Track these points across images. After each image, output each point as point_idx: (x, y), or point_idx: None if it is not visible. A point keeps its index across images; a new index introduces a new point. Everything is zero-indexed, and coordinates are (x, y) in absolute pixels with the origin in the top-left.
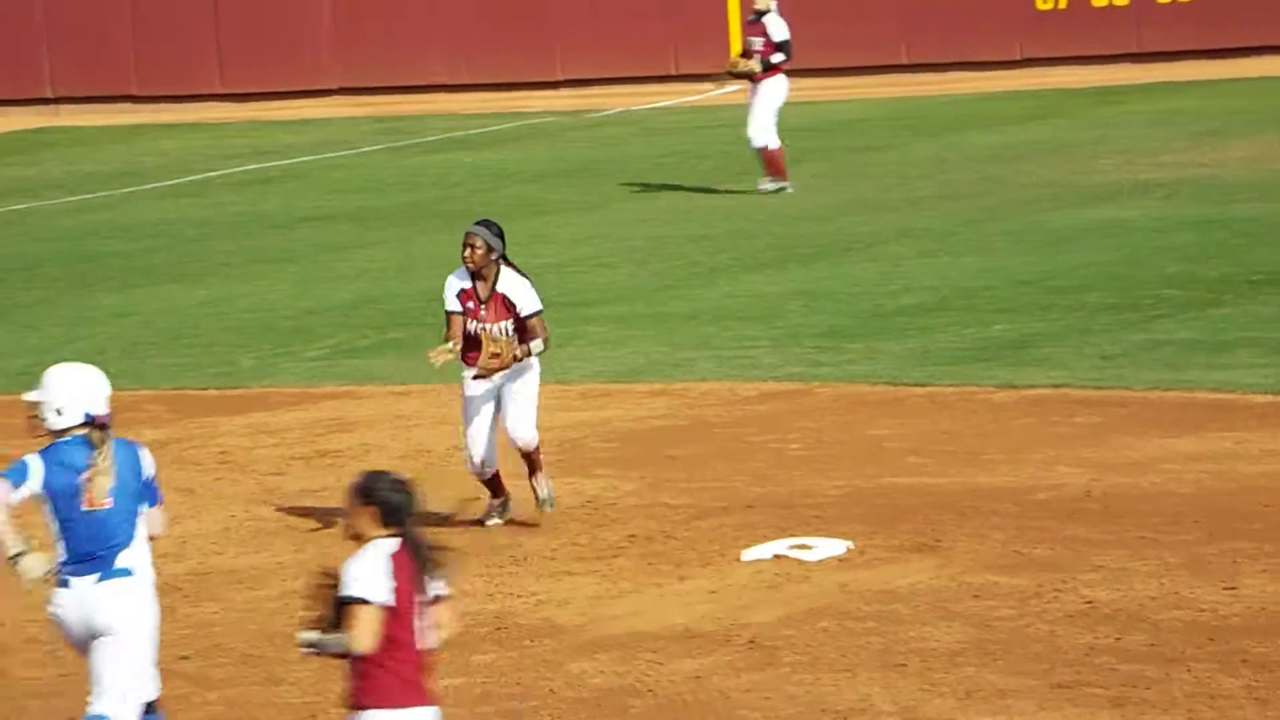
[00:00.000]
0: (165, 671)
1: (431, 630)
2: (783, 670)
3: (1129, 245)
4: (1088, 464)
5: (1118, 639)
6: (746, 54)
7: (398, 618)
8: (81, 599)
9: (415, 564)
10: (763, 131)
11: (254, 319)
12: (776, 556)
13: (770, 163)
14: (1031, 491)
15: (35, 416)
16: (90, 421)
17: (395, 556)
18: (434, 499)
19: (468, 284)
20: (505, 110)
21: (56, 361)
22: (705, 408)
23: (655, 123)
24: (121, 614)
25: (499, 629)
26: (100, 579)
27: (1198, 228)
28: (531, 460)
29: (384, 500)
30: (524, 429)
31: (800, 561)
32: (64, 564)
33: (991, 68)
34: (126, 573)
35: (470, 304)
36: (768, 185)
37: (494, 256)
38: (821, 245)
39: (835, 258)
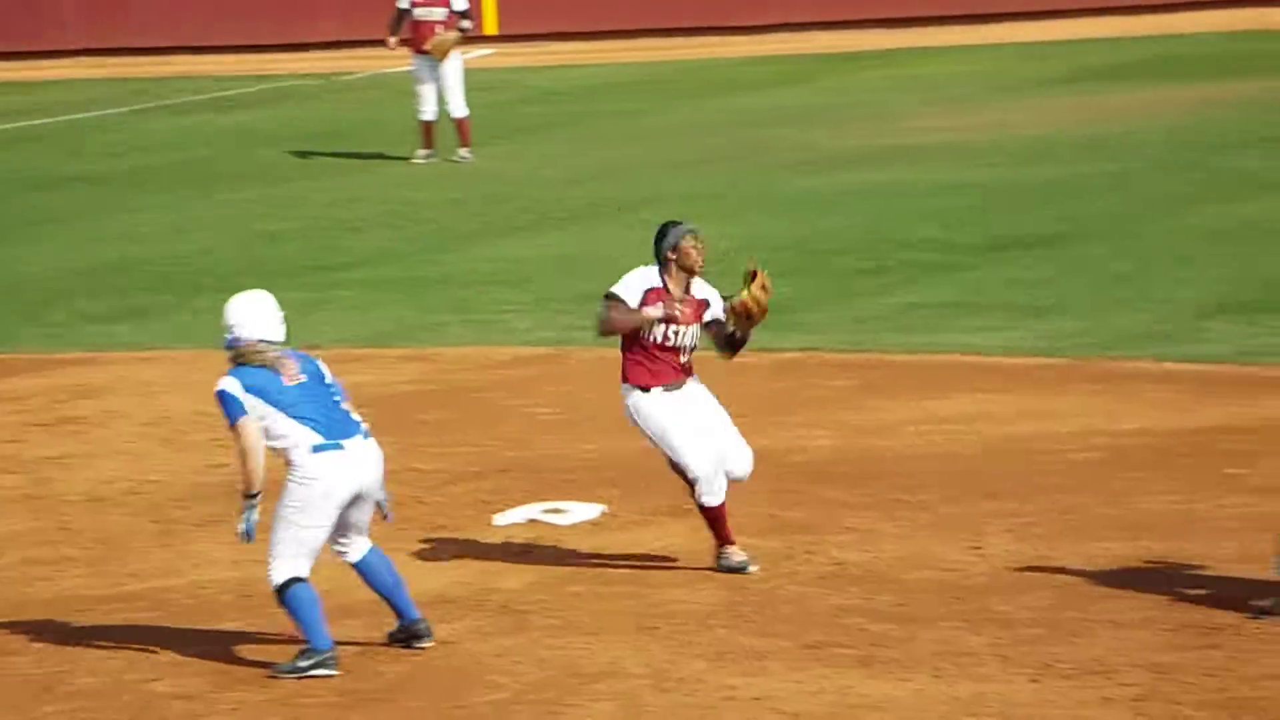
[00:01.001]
0: None
1: None
2: (534, 634)
3: (882, 209)
4: (841, 426)
5: (867, 599)
6: (424, 24)
7: None
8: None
9: None
10: (463, 102)
11: None
12: (530, 521)
13: (465, 131)
14: (786, 454)
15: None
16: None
17: None
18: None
19: (658, 284)
20: (255, 73)
21: None
22: (458, 373)
23: (408, 86)
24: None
25: (244, 596)
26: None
27: (948, 192)
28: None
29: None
30: (747, 458)
31: (553, 526)
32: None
33: (746, 32)
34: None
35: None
36: (466, 154)
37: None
38: (576, 210)
39: (590, 222)
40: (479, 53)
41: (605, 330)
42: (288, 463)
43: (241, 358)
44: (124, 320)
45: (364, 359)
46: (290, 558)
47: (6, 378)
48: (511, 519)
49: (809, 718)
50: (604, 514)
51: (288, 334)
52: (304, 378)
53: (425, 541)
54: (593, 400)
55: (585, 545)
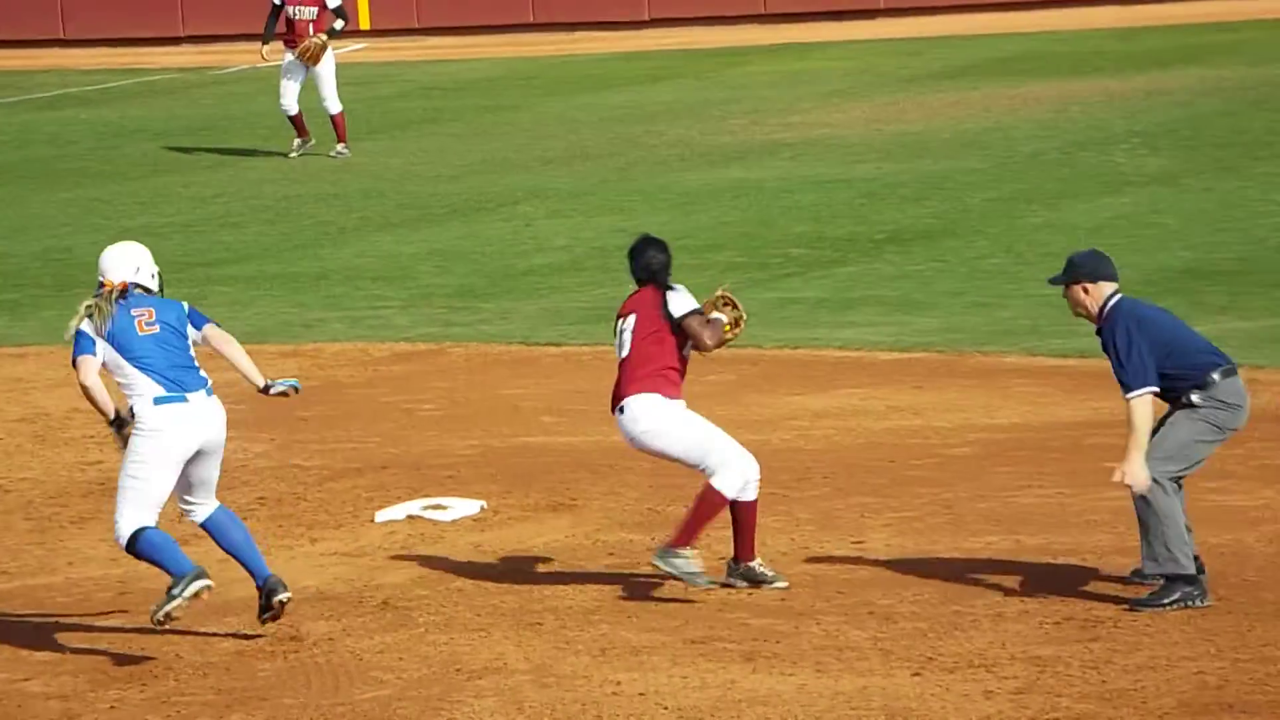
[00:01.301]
0: None
1: None
2: (417, 631)
3: (758, 205)
4: (720, 421)
5: (749, 594)
6: (298, 23)
7: None
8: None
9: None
10: (336, 98)
11: None
12: (410, 517)
13: (341, 126)
14: None
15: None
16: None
17: None
18: None
19: None
20: (126, 66)
21: None
22: (336, 368)
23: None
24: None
25: (123, 594)
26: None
27: (823, 188)
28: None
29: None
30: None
31: (434, 522)
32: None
33: (619, 28)
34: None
35: None
36: (343, 150)
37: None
38: (453, 205)
39: (467, 217)
40: (352, 47)
41: (716, 343)
42: (132, 414)
43: (101, 301)
44: None
45: None
46: (134, 509)
47: None
48: (392, 515)
49: (694, 712)
50: (484, 510)
51: (161, 288)
52: (157, 328)
53: (306, 538)
54: (472, 396)
55: (466, 541)
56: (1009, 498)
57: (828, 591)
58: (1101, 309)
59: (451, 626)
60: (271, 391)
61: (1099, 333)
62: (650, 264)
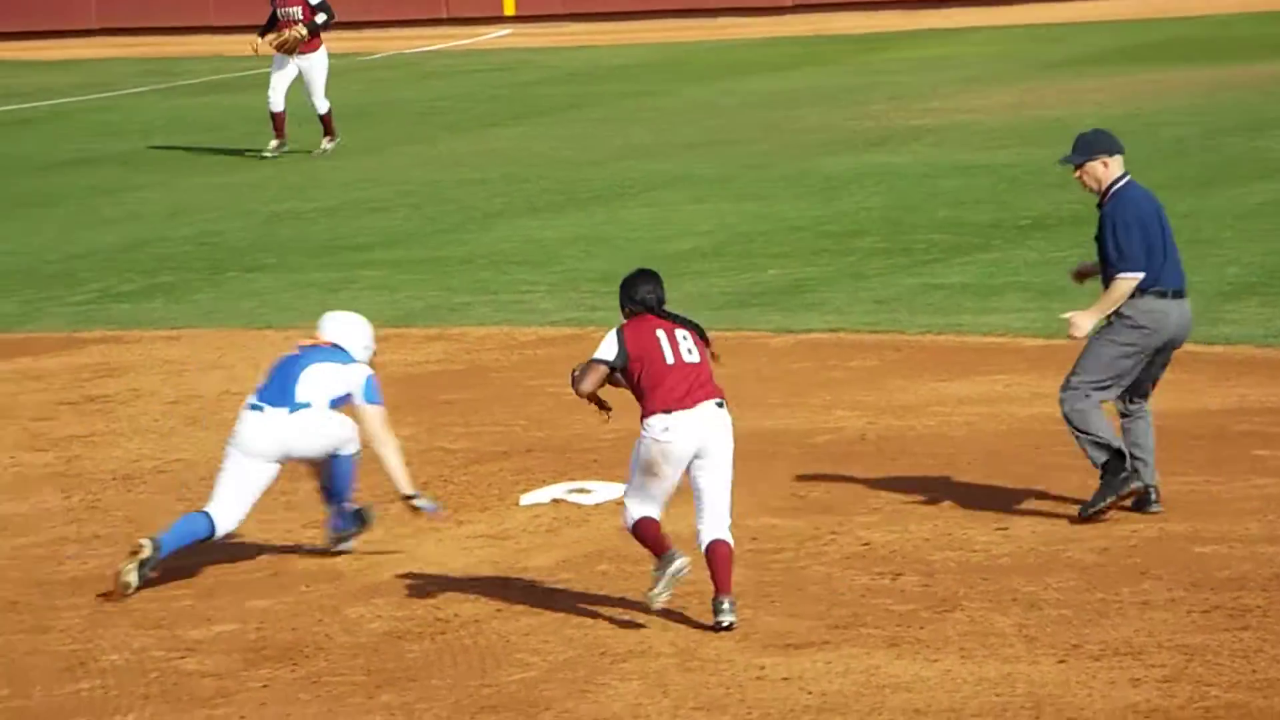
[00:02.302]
0: None
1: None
2: (562, 614)
3: (900, 190)
4: (863, 407)
5: (893, 580)
6: (285, 23)
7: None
8: None
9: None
10: (325, 97)
11: (16, 263)
12: (555, 500)
13: (329, 124)
14: (809, 435)
15: None
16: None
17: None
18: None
19: None
20: (274, 53)
21: None
22: (482, 352)
23: (428, 66)
24: None
25: (275, 574)
26: None
27: (966, 173)
28: None
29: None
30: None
31: (578, 505)
32: None
33: (762, 14)
34: None
35: None
36: (327, 146)
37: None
38: (597, 190)
39: (611, 203)
40: (496, 33)
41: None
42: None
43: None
44: (149, 299)
45: (389, 339)
46: None
47: (34, 356)
48: (537, 499)
49: (837, 698)
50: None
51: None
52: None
53: (452, 521)
54: None
55: (610, 525)
56: None
57: (972, 578)
58: (1111, 185)
59: (597, 610)
60: (414, 503)
61: (1101, 206)
62: (656, 295)
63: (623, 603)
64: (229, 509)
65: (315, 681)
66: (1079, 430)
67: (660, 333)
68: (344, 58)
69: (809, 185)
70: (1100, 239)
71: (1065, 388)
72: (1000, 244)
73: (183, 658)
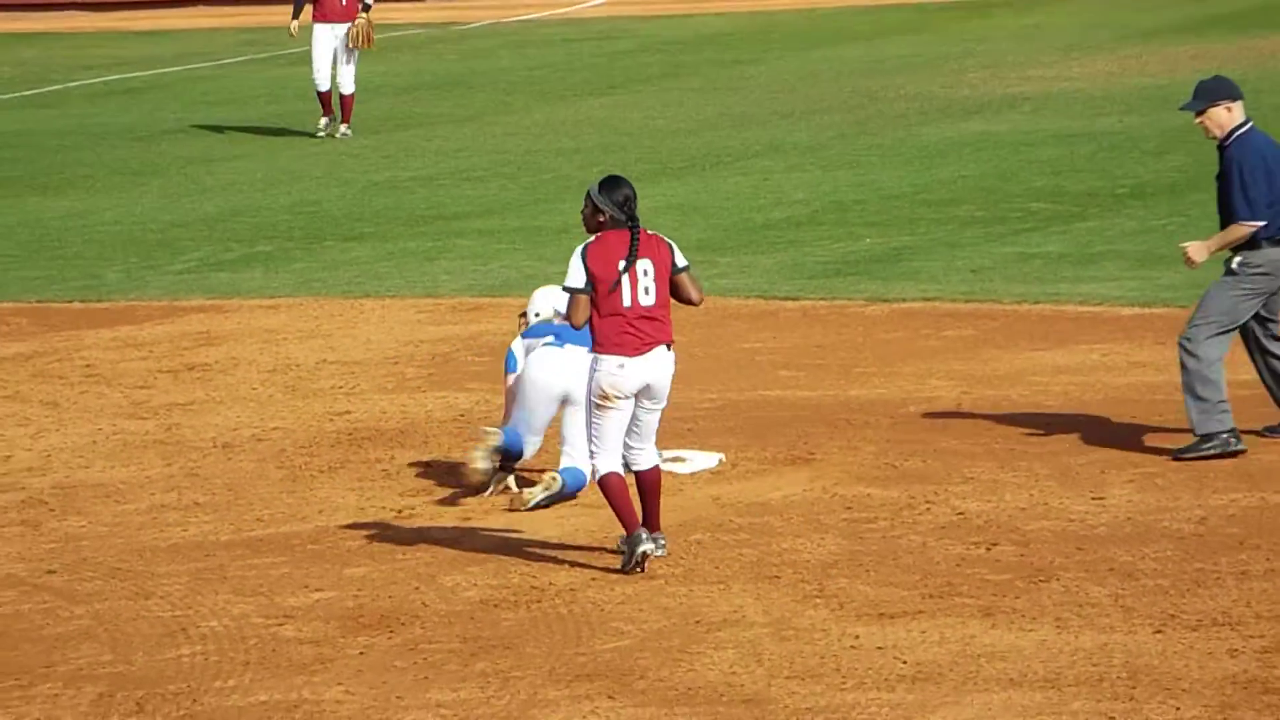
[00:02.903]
0: (31, 586)
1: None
2: (656, 582)
3: (997, 159)
4: (958, 376)
5: (988, 549)
6: (330, 3)
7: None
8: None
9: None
10: (352, 80)
11: (118, 232)
12: None
13: (348, 107)
14: (903, 404)
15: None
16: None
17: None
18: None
19: None
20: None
21: None
22: None
23: (525, 35)
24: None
25: (370, 542)
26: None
27: (1064, 141)
28: None
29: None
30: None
31: (673, 474)
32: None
33: None
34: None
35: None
36: (345, 130)
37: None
38: (692, 159)
39: (705, 172)
40: (593, 1)
41: (700, 299)
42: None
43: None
44: (248, 268)
45: (483, 308)
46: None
47: (134, 324)
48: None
49: (932, 667)
50: (723, 463)
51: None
52: None
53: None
54: (711, 349)
55: (705, 494)
56: (1253, 455)
57: (1067, 548)
58: (1234, 130)
59: (691, 579)
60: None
61: (1222, 148)
62: (633, 202)
63: (717, 572)
64: (535, 436)
65: (411, 649)
66: (1191, 389)
67: (622, 264)
68: (440, 27)
69: (905, 154)
70: (1222, 182)
71: (1185, 337)
72: (1097, 212)
73: (281, 625)
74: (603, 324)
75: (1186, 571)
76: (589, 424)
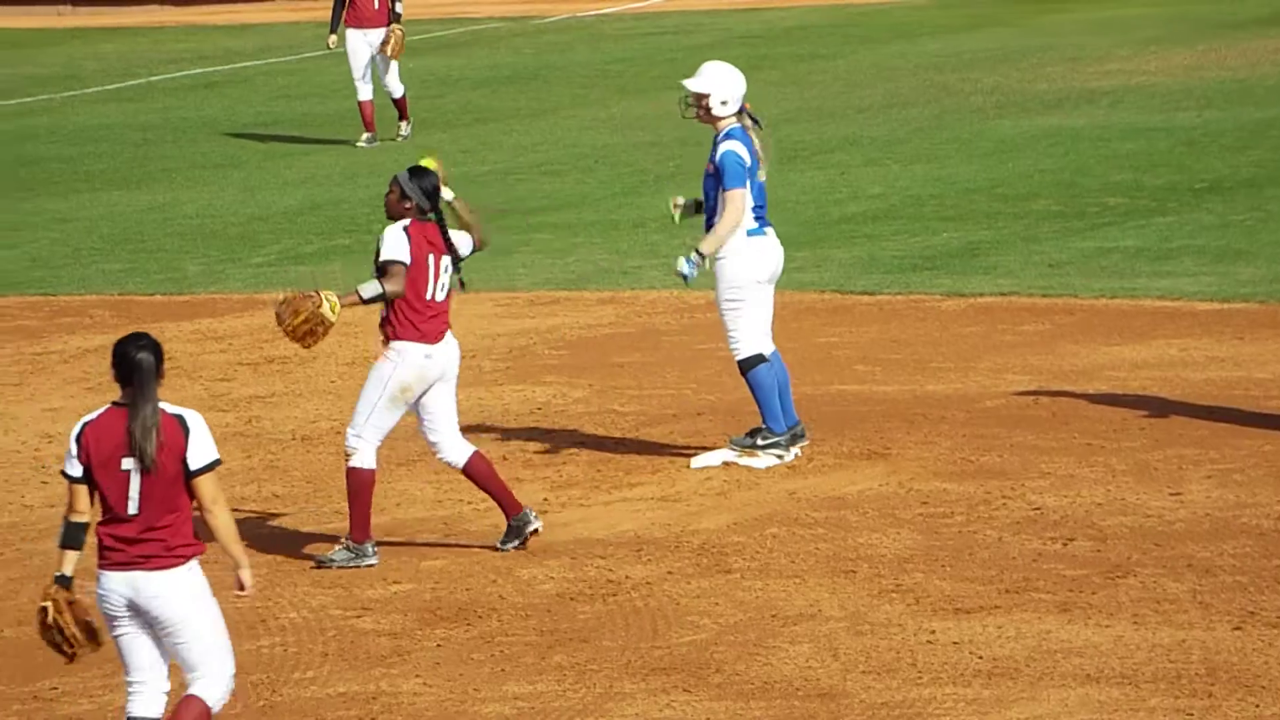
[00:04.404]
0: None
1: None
2: (732, 576)
3: (1075, 153)
4: (1035, 371)
5: (1065, 545)
6: (363, 8)
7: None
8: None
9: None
10: (399, 82)
11: (199, 225)
12: (725, 464)
13: (403, 107)
14: (979, 399)
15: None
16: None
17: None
18: None
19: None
20: (449, 16)
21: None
22: (654, 315)
23: (601, 29)
24: None
25: (448, 535)
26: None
27: (1142, 136)
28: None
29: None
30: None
31: (749, 469)
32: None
33: None
34: None
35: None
36: (405, 131)
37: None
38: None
39: (781, 166)
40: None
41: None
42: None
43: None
44: (327, 260)
45: (561, 301)
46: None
47: (214, 317)
48: (708, 461)
49: (1008, 663)
50: (798, 457)
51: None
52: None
53: (624, 483)
54: (787, 343)
55: (781, 488)
56: None
57: (1145, 544)
58: None
59: (767, 573)
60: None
61: None
62: (437, 196)
63: (793, 566)
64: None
65: (488, 641)
66: None
67: (431, 258)
68: (517, 21)
69: (982, 148)
70: None
71: None
72: (1176, 207)
73: (359, 616)
74: (410, 317)
75: (1266, 568)
76: (373, 408)
